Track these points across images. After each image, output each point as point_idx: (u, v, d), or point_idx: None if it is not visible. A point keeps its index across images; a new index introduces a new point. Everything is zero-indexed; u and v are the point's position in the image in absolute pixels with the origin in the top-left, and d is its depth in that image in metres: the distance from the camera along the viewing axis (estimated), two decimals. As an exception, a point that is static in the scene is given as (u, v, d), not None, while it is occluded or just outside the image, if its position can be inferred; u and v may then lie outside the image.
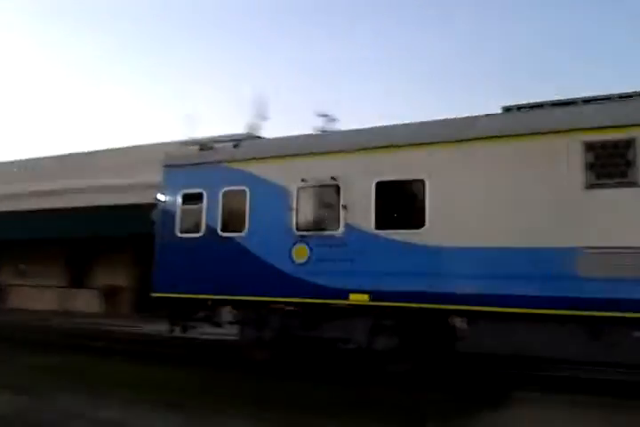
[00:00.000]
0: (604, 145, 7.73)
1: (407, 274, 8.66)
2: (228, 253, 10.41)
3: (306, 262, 9.59)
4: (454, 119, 9.25)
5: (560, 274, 7.63)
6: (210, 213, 10.73)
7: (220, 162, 10.99)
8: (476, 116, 8.98)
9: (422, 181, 8.80)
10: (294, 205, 9.86)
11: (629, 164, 7.56)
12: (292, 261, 9.71)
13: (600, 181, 7.69)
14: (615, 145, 7.67)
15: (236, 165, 10.75)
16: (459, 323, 8.44)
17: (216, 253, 10.56)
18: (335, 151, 9.80)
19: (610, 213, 7.56)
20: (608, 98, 8.14)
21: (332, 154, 9.79)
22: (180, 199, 11.13)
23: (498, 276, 8.05)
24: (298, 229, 9.78)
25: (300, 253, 9.65)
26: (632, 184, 7.48)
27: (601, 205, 7.64)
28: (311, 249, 9.55)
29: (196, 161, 11.34)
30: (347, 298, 9.12)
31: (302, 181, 9.79)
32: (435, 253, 8.52)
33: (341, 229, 9.38)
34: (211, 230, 10.67)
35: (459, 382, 8.66)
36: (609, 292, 7.29)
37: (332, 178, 9.53)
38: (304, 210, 9.84)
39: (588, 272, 7.46)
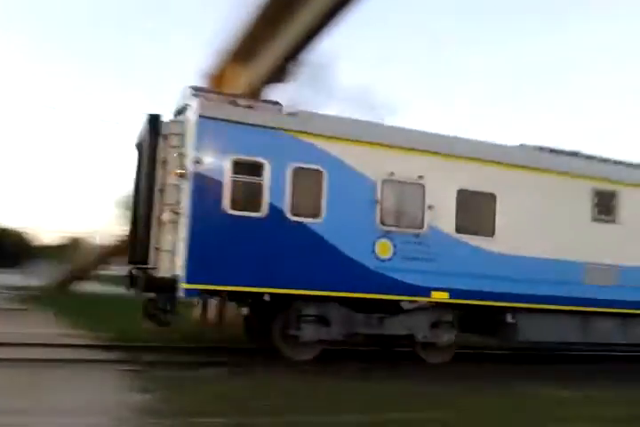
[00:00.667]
0: (602, 193, 11.20)
1: (479, 276, 10.16)
2: (298, 241, 9.20)
3: (390, 259, 9.58)
4: (527, 146, 11.06)
5: (575, 281, 10.77)
6: (274, 191, 9.07)
7: (287, 130, 9.34)
8: (541, 148, 11.03)
9: (494, 196, 10.25)
10: (379, 198, 9.60)
11: (613, 208, 11.26)
12: (376, 257, 9.52)
13: (599, 217, 11.16)
14: (607, 194, 11.26)
15: (308, 138, 9.42)
16: (509, 318, 10.42)
17: (282, 239, 9.10)
18: (428, 151, 10.07)
19: (603, 240, 11.10)
20: (607, 160, 11.74)
21: (424, 153, 10.04)
22: (228, 166, 8.83)
23: (542, 280, 10.60)
24: (383, 223, 9.60)
25: (384, 249, 9.55)
26: (613, 222, 11.22)
27: (599, 234, 11.09)
28: (395, 245, 9.61)
29: (253, 121, 9.10)
30: (429, 295, 9.82)
31: (390, 174, 9.56)
32: (500, 258, 10.27)
33: (425, 228, 9.87)
34: (276, 211, 9.05)
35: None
36: (599, 294, 10.92)
37: (420, 177, 9.81)
38: (388, 204, 9.69)
39: (590, 280, 10.86)
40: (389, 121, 11.66)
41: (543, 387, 8.46)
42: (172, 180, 9.09)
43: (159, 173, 9.31)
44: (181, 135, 9.21)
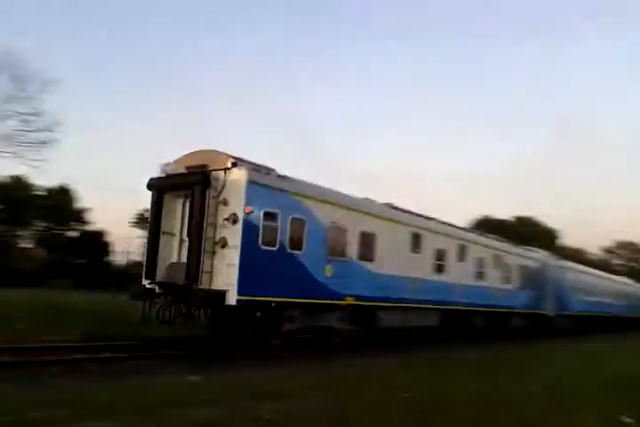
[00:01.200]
0: (415, 235, 18.83)
1: (366, 286, 16.43)
2: (292, 267, 13.98)
3: (330, 276, 15.15)
4: (373, 200, 18.95)
5: (407, 289, 18.21)
6: (282, 233, 13.65)
7: (287, 191, 14.06)
8: (386, 204, 19.40)
9: (375, 235, 17.04)
10: (327, 238, 15.24)
11: (419, 244, 19.04)
12: (324, 275, 15.00)
13: (413, 250, 18.87)
14: (417, 236, 18.93)
15: (297, 197, 14.38)
16: (380, 312, 17.31)
17: (285, 265, 13.74)
18: (350, 208, 16.29)
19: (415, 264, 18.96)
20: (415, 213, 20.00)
21: (349, 209, 16.21)
22: (261, 215, 13.16)
23: (397, 288, 17.64)
24: (328, 254, 15.24)
25: (329, 271, 15.11)
26: (419, 253, 18.95)
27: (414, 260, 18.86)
28: (333, 268, 15.28)
29: (273, 185, 13.71)
30: (345, 299, 15.70)
31: (332, 222, 15.47)
32: (375, 275, 16.85)
33: (346, 257, 15.91)
34: (282, 246, 13.67)
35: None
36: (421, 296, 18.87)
37: (344, 224, 15.85)
38: (331, 242, 15.36)
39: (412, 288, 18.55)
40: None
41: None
42: (223, 223, 12.77)
43: (209, 218, 12.83)
44: (230, 193, 12.90)
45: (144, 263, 14.27)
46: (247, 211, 12.81)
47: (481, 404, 8.12)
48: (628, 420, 7.69)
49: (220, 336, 14.84)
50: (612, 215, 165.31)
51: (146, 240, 15.52)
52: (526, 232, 71.40)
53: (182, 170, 13.94)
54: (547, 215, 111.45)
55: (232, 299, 12.43)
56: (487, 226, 73.74)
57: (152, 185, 14.03)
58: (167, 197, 14.06)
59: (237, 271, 12.52)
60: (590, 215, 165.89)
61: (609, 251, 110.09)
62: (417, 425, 6.68)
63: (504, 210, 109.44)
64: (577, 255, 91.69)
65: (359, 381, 9.85)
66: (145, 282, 13.90)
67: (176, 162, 14.49)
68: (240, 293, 12.47)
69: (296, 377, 10.01)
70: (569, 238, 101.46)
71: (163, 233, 13.93)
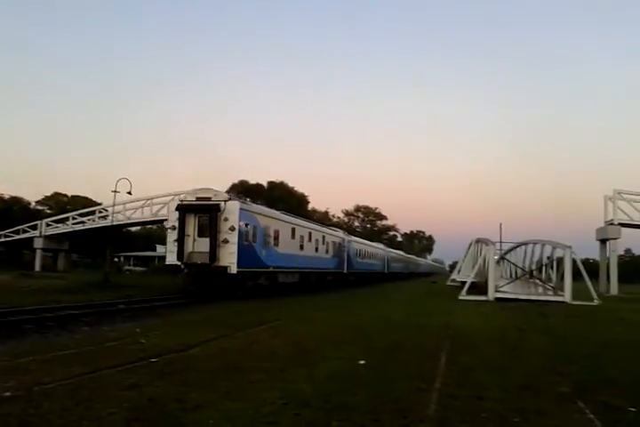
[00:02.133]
0: (301, 231, 30.67)
1: (277, 260, 25.95)
2: (258, 251, 23.91)
3: (264, 256, 24.44)
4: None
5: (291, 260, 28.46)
6: (256, 235, 23.65)
7: (252, 212, 23.87)
8: (286, 214, 30.29)
9: (279, 230, 26.55)
10: (262, 235, 24.48)
11: (303, 238, 30.78)
12: (262, 255, 24.31)
13: (292, 237, 29.05)
14: (304, 232, 31.12)
15: (254, 214, 23.98)
16: (283, 277, 27.51)
17: (257, 251, 23.74)
18: (270, 216, 26.08)
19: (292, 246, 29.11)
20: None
21: (270, 217, 25.93)
22: (245, 226, 22.49)
23: (287, 260, 27.41)
24: (263, 243, 24.71)
25: (264, 253, 24.22)
26: (294, 238, 29.59)
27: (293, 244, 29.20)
28: (265, 251, 24.51)
29: (248, 209, 23.55)
30: (269, 268, 25.12)
31: (264, 226, 24.76)
32: (280, 254, 26.36)
33: (270, 244, 25.43)
34: (256, 242, 23.67)
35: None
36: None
37: (267, 226, 25.05)
38: (264, 237, 24.79)
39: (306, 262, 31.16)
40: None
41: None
42: (226, 230, 21.42)
43: (218, 227, 21.32)
44: (229, 214, 21.58)
45: (175, 251, 21.77)
46: (241, 224, 21.96)
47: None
48: (361, 362, 7.98)
49: (207, 293, 22.13)
50: (355, 182, 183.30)
51: (175, 239, 22.03)
52: (279, 196, 74.15)
53: (193, 199, 22.50)
54: (296, 180, 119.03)
55: (233, 270, 21.42)
56: (243, 190, 75.01)
57: (179, 207, 22.13)
58: (188, 214, 22.06)
59: (236, 256, 21.53)
60: (334, 182, 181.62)
61: (349, 214, 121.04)
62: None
63: (259, 175, 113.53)
64: (324, 218, 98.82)
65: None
66: (171, 262, 22.01)
67: (189, 194, 23.37)
68: (238, 267, 21.56)
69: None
70: (315, 202, 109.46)
71: (185, 235, 21.83)
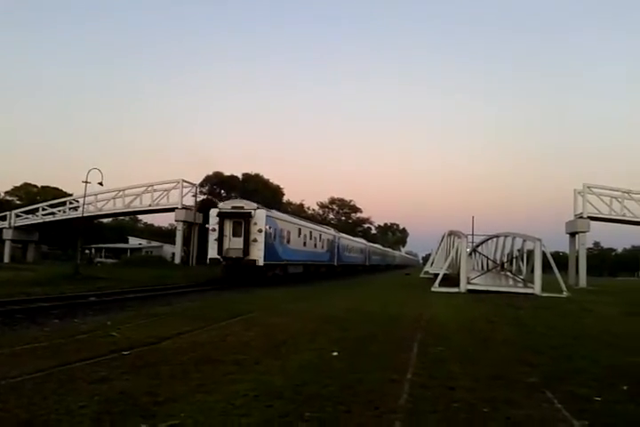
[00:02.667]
0: (305, 231, 37.93)
1: (289, 255, 32.58)
2: (280, 248, 30.60)
3: (281, 252, 30.88)
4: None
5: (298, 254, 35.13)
6: (272, 235, 29.13)
7: (273, 217, 30.14)
8: (293, 217, 39.86)
9: (290, 231, 33.29)
10: (285, 235, 31.90)
11: (305, 236, 37.32)
12: (279, 251, 30.78)
13: (298, 236, 35.65)
14: (307, 232, 38.25)
15: (275, 219, 30.31)
16: (292, 268, 34.22)
17: (279, 248, 30.44)
18: (284, 220, 32.87)
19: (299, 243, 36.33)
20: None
21: (284, 221, 32.62)
22: (269, 228, 28.63)
23: (295, 255, 34.13)
24: (280, 242, 30.90)
25: (280, 249, 30.56)
26: (299, 237, 36.19)
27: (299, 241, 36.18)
28: (281, 248, 31.11)
29: (271, 215, 29.89)
30: (283, 261, 31.57)
31: (281, 228, 31.15)
32: (291, 249, 33.01)
33: (284, 242, 31.78)
34: (277, 240, 29.93)
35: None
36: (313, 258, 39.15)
37: (282, 227, 31.57)
38: (281, 237, 31.05)
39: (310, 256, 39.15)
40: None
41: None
42: (256, 231, 27.29)
43: (249, 229, 27.33)
44: (257, 219, 27.62)
45: (216, 248, 27.54)
46: (266, 227, 27.97)
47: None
48: (334, 353, 7.99)
49: (238, 281, 26.94)
50: (329, 175, 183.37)
51: (216, 238, 27.72)
52: (253, 188, 73.80)
53: (229, 208, 28.35)
54: (271, 172, 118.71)
55: (261, 263, 27.40)
56: (217, 182, 74.47)
57: (219, 213, 27.96)
58: (225, 220, 27.89)
59: (263, 252, 27.48)
60: (309, 174, 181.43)
61: (324, 206, 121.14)
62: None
63: (233, 167, 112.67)
64: (299, 210, 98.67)
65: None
66: (213, 257, 27.76)
67: (226, 204, 29.66)
68: (264, 260, 27.53)
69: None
70: (291, 194, 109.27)
71: (223, 235, 27.61)
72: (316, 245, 39.46)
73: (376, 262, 74.25)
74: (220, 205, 29.97)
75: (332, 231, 47.50)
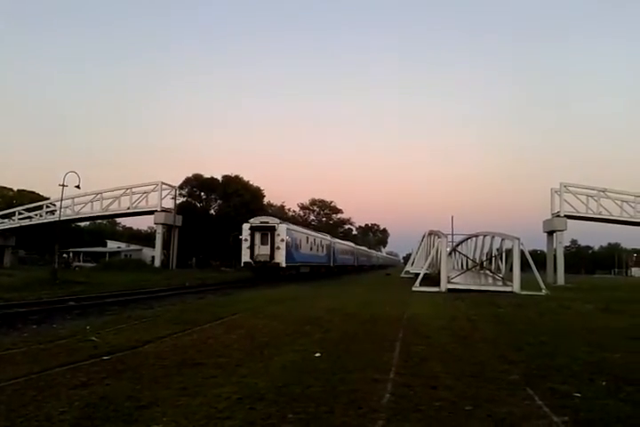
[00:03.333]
0: (319, 241, 49.55)
1: (301, 258, 41.21)
2: (296, 252, 39.39)
3: (296, 256, 39.09)
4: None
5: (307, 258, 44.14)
6: (290, 243, 37.19)
7: (291, 229, 38.77)
8: (304, 227, 54.16)
9: (301, 239, 42.36)
10: (295, 244, 39.23)
11: (313, 243, 46.81)
12: (295, 255, 38.94)
13: (307, 242, 44.76)
14: (325, 244, 51.46)
15: (292, 231, 38.82)
16: (302, 269, 42.60)
17: (297, 252, 39.78)
18: (296, 231, 41.51)
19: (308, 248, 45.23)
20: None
21: (297, 231, 41.50)
22: (289, 238, 36.64)
23: (305, 258, 42.72)
24: (294, 248, 39.19)
25: (296, 253, 38.79)
26: (307, 243, 45.02)
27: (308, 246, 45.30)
28: (296, 253, 39.30)
29: (290, 228, 38.99)
30: (297, 263, 39.92)
31: (295, 238, 39.33)
32: (303, 253, 41.77)
33: (298, 248, 40.22)
34: (292, 247, 37.65)
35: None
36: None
37: (297, 237, 40.10)
38: (295, 245, 39.49)
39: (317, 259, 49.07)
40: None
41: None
42: (279, 241, 35.54)
43: (274, 239, 35.60)
44: (280, 231, 35.90)
45: (248, 254, 35.40)
46: (287, 238, 35.79)
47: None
48: (317, 354, 7.99)
49: (265, 279, 34.14)
50: (310, 176, 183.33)
51: (248, 246, 35.58)
52: (233, 190, 73.45)
53: (258, 223, 36.30)
54: (251, 174, 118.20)
55: (283, 265, 35.54)
56: (197, 184, 73.91)
57: (250, 227, 35.78)
58: (255, 232, 35.67)
59: (284, 257, 35.45)
60: (289, 176, 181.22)
61: (305, 207, 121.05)
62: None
63: (215, 169, 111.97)
64: (280, 212, 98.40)
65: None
66: (247, 261, 35.39)
67: (255, 219, 36.93)
68: (285, 263, 35.62)
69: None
70: (272, 196, 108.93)
71: (254, 244, 35.32)
72: (318, 250, 48.04)
73: (362, 263, 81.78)
74: (251, 220, 37.16)
75: (328, 237, 55.96)
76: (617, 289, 36.16)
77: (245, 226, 36.27)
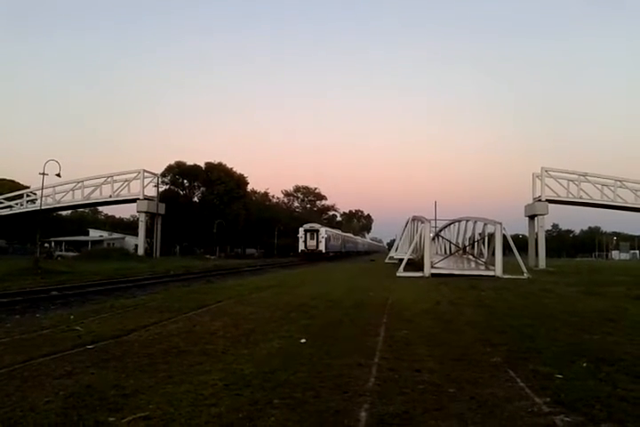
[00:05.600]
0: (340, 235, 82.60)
1: (336, 248, 74.37)
2: (331, 245, 69.10)
3: (330, 247, 68.40)
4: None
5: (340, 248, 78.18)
6: (329, 239, 68.44)
7: (325, 230, 66.59)
8: (334, 229, 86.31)
9: (337, 237, 78.42)
10: (330, 239, 69.11)
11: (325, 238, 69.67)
12: (330, 247, 68.13)
13: (342, 239, 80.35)
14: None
15: (329, 231, 69.71)
16: (332, 254, 70.44)
17: (328, 244, 66.20)
18: (333, 232, 75.68)
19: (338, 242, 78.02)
20: None
21: (333, 233, 74.23)
22: (327, 236, 66.66)
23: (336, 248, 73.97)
24: (329, 242, 67.55)
25: (330, 245, 66.77)
26: (344, 239, 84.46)
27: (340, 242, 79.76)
28: (330, 244, 67.56)
29: (329, 230, 71.29)
30: (329, 253, 67.96)
31: (331, 236, 69.99)
32: (335, 245, 72.67)
33: (333, 243, 71.29)
34: (328, 241, 65.84)
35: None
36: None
37: (333, 236, 73.12)
38: (332, 241, 71.89)
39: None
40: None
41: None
42: (320, 238, 63.23)
43: (317, 237, 63.64)
44: (322, 232, 64.60)
45: (303, 246, 63.05)
46: (325, 236, 64.01)
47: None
48: (302, 340, 8.05)
49: (312, 260, 57.94)
50: (294, 163, 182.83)
51: (304, 240, 62.87)
52: (216, 177, 73.07)
53: (309, 227, 64.49)
54: (235, 161, 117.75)
55: (324, 251, 63.33)
56: (179, 171, 73.38)
57: (304, 229, 63.74)
58: (307, 232, 63.60)
59: (324, 247, 63.53)
60: (273, 163, 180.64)
61: (289, 194, 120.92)
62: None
63: (198, 156, 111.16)
64: (264, 199, 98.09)
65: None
66: (302, 249, 62.90)
67: (306, 225, 65.07)
68: (325, 250, 63.70)
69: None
70: (255, 183, 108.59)
71: (306, 239, 63.11)
72: (337, 241, 74.67)
73: (350, 249, 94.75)
74: (304, 225, 64.59)
75: (340, 232, 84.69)
76: (597, 272, 36.71)
77: (301, 229, 63.62)
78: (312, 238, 61.58)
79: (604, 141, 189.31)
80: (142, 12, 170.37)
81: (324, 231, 63.22)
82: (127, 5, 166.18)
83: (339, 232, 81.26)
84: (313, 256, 59.37)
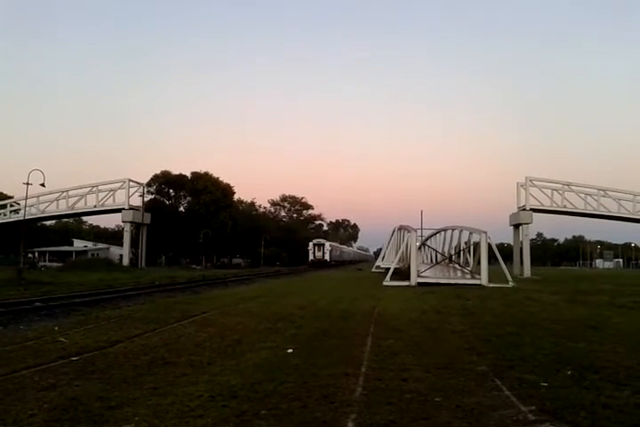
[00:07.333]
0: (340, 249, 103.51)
1: (337, 258, 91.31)
2: (332, 255, 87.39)
3: (333, 257, 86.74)
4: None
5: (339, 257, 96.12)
6: (332, 251, 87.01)
7: (329, 244, 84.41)
8: (336, 242, 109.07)
9: (337, 248, 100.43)
10: (333, 252, 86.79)
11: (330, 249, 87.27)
12: (333, 257, 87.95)
13: (341, 251, 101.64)
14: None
15: (332, 246, 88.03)
16: (334, 262, 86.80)
17: (331, 255, 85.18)
18: (334, 245, 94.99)
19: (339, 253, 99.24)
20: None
21: (335, 245, 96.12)
22: (331, 249, 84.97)
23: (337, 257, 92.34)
24: (331, 253, 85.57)
25: (333, 255, 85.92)
26: (342, 250, 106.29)
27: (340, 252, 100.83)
28: (334, 255, 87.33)
29: (332, 244, 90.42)
30: (332, 261, 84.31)
31: (334, 249, 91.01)
32: (336, 255, 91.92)
33: (335, 253, 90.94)
34: (331, 252, 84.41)
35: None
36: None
37: (335, 248, 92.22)
38: (334, 252, 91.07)
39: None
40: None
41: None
42: (325, 251, 79.53)
43: (323, 249, 79.92)
44: (326, 246, 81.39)
45: (312, 256, 78.60)
46: (330, 249, 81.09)
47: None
48: (289, 350, 8.06)
49: (318, 267, 71.49)
50: (280, 173, 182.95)
51: (312, 252, 79.14)
52: (202, 187, 72.86)
53: (316, 242, 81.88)
54: (221, 171, 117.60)
55: (328, 260, 79.48)
56: (165, 181, 73.05)
57: (313, 244, 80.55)
58: (315, 246, 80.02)
59: (329, 257, 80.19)
60: (260, 172, 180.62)
61: (276, 204, 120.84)
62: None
63: (182, 166, 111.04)
64: (251, 209, 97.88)
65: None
66: (311, 259, 77.94)
67: (315, 240, 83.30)
68: (329, 260, 79.83)
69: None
70: (242, 192, 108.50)
71: (315, 251, 79.19)
72: (337, 251, 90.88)
73: (343, 259, 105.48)
74: (313, 240, 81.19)
75: (338, 244, 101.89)
76: (581, 280, 37.04)
77: (310, 243, 79.52)
78: (319, 250, 78.40)
79: (589, 151, 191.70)
80: (128, 20, 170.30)
81: (328, 245, 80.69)
82: (112, 12, 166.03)
83: (337, 245, 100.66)
84: (320, 264, 74.36)
